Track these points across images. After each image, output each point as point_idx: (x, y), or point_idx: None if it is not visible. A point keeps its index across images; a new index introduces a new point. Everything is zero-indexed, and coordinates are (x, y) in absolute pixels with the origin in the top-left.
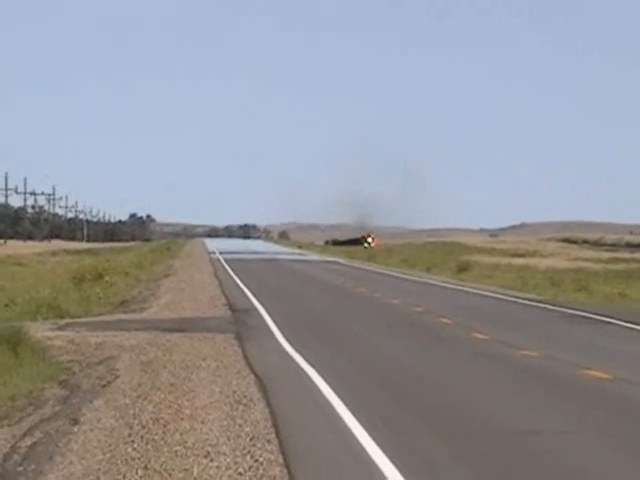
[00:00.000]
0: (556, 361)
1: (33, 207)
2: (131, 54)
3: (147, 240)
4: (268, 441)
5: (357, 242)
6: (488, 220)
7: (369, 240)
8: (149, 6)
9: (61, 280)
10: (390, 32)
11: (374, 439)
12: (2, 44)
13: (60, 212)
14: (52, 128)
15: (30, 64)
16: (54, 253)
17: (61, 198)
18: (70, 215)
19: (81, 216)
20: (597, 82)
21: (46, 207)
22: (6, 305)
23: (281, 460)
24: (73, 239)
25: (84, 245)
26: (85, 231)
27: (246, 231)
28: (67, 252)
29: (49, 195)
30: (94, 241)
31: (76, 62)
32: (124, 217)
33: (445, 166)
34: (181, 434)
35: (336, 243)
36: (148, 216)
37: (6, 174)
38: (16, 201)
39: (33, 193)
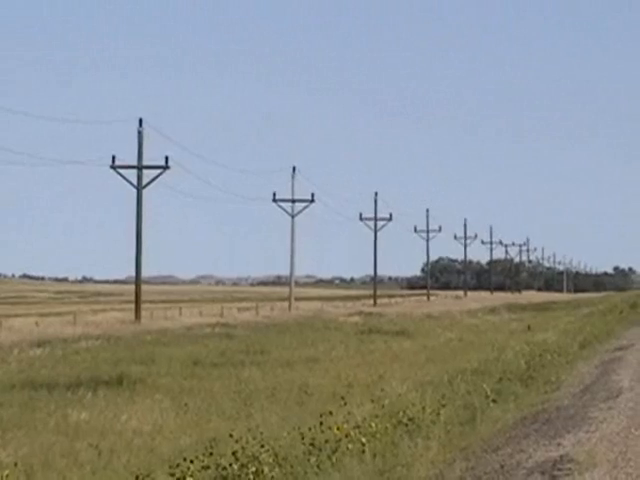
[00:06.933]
0: None
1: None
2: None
3: (621, 290)
4: None
5: None
6: None
7: None
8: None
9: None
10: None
11: None
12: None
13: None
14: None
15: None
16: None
17: (535, 249)
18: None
19: (560, 267)
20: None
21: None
22: None
23: None
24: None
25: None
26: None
27: None
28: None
29: (520, 246)
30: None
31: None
32: (608, 269)
33: None
34: None
35: None
36: (630, 268)
37: (490, 228)
38: (480, 251)
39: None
